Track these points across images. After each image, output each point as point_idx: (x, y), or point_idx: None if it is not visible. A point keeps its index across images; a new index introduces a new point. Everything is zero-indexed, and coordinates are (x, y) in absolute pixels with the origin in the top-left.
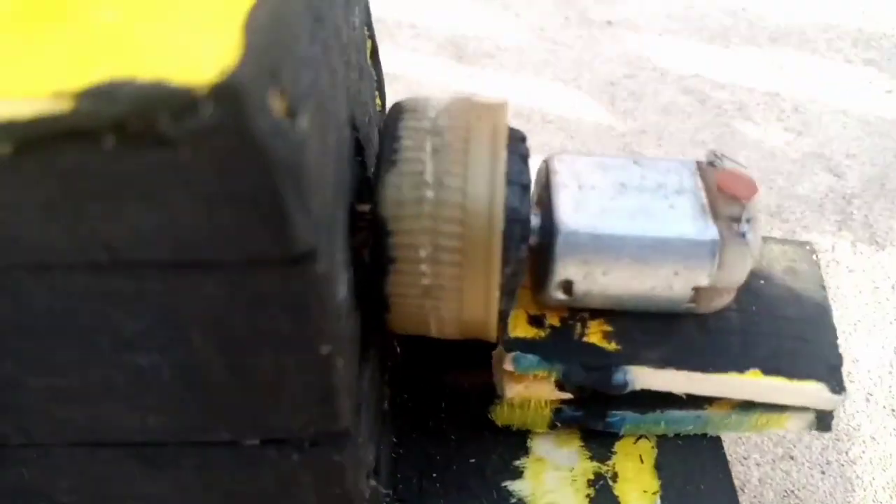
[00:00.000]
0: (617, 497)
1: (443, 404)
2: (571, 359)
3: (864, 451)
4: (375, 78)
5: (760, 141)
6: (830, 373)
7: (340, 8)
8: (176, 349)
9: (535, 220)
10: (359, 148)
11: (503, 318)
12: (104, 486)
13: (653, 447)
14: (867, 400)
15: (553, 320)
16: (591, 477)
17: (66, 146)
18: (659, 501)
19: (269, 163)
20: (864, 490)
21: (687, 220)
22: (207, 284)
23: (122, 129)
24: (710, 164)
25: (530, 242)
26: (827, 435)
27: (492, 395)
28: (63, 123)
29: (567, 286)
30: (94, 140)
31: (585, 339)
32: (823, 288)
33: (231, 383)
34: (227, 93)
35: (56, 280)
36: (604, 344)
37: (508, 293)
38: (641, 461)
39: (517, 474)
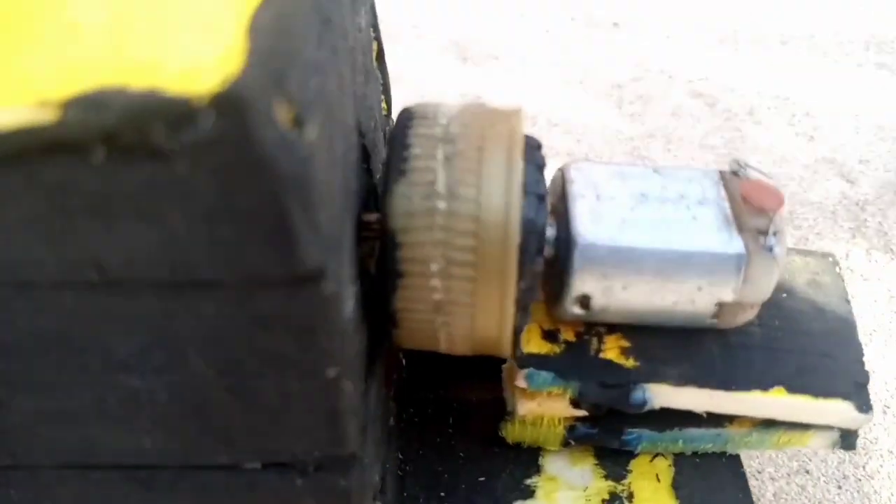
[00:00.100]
0: None
1: (450, 420)
2: (587, 376)
3: (881, 466)
4: (381, 81)
5: (771, 146)
6: (857, 391)
7: (347, 9)
8: (172, 371)
9: (550, 232)
10: (365, 155)
11: (517, 333)
12: None
13: (670, 465)
14: (884, 412)
15: (568, 335)
16: (606, 497)
17: (52, 159)
18: None
19: (274, 177)
20: None
21: (711, 233)
22: (206, 305)
23: (112, 142)
24: (734, 173)
25: (545, 254)
26: None
27: (501, 410)
28: (48, 135)
29: (584, 301)
30: (82, 153)
31: (602, 355)
32: (848, 302)
33: (231, 406)
34: (229, 103)
35: (43, 299)
36: (621, 360)
37: (523, 308)
38: (658, 480)
39: (528, 494)
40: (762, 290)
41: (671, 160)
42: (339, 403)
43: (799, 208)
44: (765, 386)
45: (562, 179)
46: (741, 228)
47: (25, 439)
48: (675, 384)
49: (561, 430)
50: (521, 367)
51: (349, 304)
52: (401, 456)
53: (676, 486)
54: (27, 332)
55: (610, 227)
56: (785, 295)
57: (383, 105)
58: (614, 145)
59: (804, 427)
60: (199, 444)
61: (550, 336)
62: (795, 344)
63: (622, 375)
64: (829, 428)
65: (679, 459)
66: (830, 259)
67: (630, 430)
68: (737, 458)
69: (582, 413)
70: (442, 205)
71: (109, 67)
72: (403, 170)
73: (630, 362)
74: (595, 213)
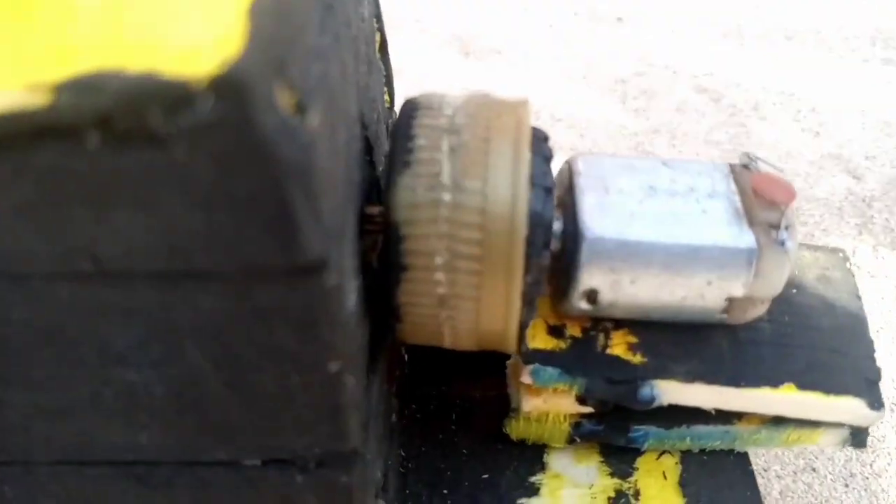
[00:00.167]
0: None
1: (453, 416)
2: (594, 372)
3: (889, 464)
4: (384, 73)
5: (777, 141)
6: (868, 387)
7: None
8: (170, 365)
9: (556, 225)
10: (368, 146)
11: (522, 328)
12: None
13: (676, 463)
14: (892, 410)
15: (574, 331)
16: (612, 495)
17: (44, 145)
18: None
19: (275, 163)
20: None
21: (721, 227)
22: (205, 297)
23: (107, 126)
24: (744, 166)
25: (551, 248)
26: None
27: (505, 406)
28: (40, 119)
29: (592, 295)
30: (75, 138)
31: (609, 351)
32: (858, 297)
33: (230, 401)
34: (229, 86)
35: (36, 290)
36: (629, 356)
37: (529, 302)
38: (665, 478)
39: (533, 491)
40: (774, 284)
41: (676, 156)
42: (341, 398)
43: (805, 204)
44: (775, 382)
45: (569, 172)
46: (752, 222)
47: (20, 435)
48: (684, 380)
49: (566, 426)
50: (527, 362)
51: (351, 297)
52: (403, 453)
53: (683, 483)
54: (21, 325)
55: (618, 221)
56: (795, 290)
57: (386, 97)
58: (618, 140)
59: (814, 424)
60: (197, 439)
61: (556, 332)
62: (805, 340)
63: (629, 371)
64: (839, 425)
65: (686, 457)
66: (840, 254)
67: (636, 427)
68: (745, 455)
69: (588, 410)
70: (447, 197)
71: (104, 49)
72: (408, 161)
73: (637, 358)
74: (603, 206)
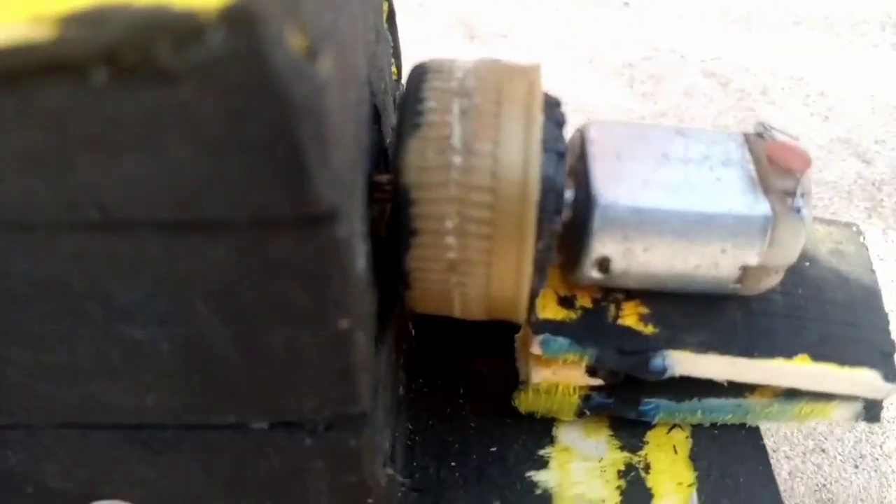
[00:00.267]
0: (650, 489)
1: (461, 389)
2: (605, 343)
3: None
4: (392, 44)
5: (785, 126)
6: (883, 360)
7: None
8: (177, 321)
9: (568, 194)
10: (376, 115)
11: (532, 297)
12: (98, 470)
13: (687, 437)
14: None
15: (585, 301)
16: (622, 468)
17: (48, 82)
18: (695, 494)
19: (287, 103)
20: None
21: (736, 194)
22: (213, 248)
23: (114, 62)
24: (759, 135)
25: (563, 217)
26: (860, 427)
27: (514, 379)
28: (44, 54)
29: (604, 264)
30: (80, 75)
31: (620, 321)
32: (872, 271)
33: (238, 360)
34: (239, 17)
35: (39, 241)
36: (640, 327)
37: (540, 269)
38: (675, 451)
39: (542, 464)
40: (789, 253)
41: None
42: (352, 357)
43: (814, 188)
44: (788, 353)
45: (581, 139)
46: (767, 190)
47: (22, 396)
48: (696, 351)
49: (576, 399)
50: (537, 333)
51: (361, 258)
52: (410, 426)
53: (694, 457)
54: (23, 279)
55: (631, 188)
56: (808, 263)
57: (393, 69)
58: None
59: (827, 397)
60: (204, 401)
61: (567, 302)
62: (819, 312)
63: (641, 342)
64: (853, 399)
65: (697, 431)
66: (854, 228)
67: (647, 399)
68: (756, 430)
69: (598, 382)
70: (457, 160)
71: None
72: (417, 124)
73: (649, 329)
74: (616, 173)
